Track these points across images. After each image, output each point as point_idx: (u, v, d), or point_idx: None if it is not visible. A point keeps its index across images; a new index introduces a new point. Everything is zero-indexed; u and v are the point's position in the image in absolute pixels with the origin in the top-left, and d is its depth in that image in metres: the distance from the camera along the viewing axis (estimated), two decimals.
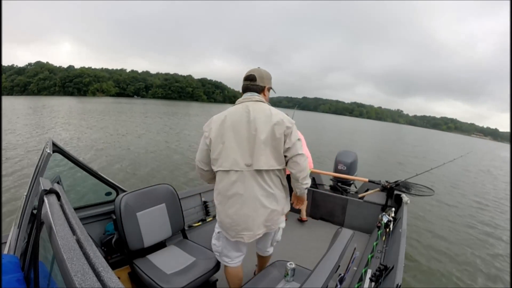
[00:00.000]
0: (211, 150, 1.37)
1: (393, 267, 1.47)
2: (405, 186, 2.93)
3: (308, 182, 1.45)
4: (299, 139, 1.37)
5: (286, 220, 2.94)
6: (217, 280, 1.72)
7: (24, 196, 1.17)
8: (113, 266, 1.70)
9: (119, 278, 0.48)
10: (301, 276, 1.44)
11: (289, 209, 1.52)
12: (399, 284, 1.26)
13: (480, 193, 7.93)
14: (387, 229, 2.24)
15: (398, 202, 2.72)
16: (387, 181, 3.02)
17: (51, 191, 0.78)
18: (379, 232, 2.25)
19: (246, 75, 1.44)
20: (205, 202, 2.56)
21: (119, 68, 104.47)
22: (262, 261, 1.78)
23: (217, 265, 1.63)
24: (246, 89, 1.44)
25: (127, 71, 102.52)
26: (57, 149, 1.45)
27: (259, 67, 1.49)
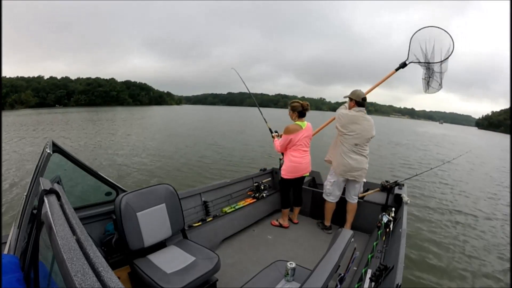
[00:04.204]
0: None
1: (393, 267, 1.47)
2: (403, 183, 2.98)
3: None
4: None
5: (280, 225, 2.95)
6: (217, 280, 1.72)
7: (24, 196, 1.17)
8: (113, 266, 1.70)
9: (119, 278, 0.48)
10: (301, 276, 1.44)
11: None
12: (399, 284, 1.25)
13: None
14: (387, 229, 2.24)
15: (398, 202, 2.72)
16: (387, 181, 3.02)
17: (51, 191, 0.78)
18: (379, 232, 2.25)
19: (364, 97, 2.72)
20: (205, 202, 2.55)
21: (36, 75, 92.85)
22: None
23: (217, 265, 1.63)
24: (361, 105, 2.71)
25: (45, 78, 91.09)
26: (57, 149, 1.45)
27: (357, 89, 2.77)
